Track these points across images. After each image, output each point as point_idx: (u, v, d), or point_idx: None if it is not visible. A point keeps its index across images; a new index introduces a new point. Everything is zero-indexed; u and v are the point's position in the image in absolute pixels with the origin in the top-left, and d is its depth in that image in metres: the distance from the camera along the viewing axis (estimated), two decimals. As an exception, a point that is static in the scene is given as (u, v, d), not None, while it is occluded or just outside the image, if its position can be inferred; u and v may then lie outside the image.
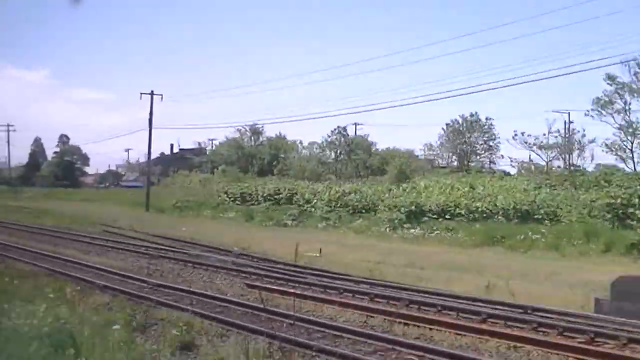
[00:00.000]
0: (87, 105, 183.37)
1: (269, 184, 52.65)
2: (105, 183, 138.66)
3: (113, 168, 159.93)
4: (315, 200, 42.67)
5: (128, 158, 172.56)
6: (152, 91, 56.74)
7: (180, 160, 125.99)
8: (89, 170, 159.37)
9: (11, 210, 52.99)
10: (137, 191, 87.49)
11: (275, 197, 47.61)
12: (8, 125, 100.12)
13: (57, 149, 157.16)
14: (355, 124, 74.73)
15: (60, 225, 40.10)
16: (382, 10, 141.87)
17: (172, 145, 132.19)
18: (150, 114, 57.21)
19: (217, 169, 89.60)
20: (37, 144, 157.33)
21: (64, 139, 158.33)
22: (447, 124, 74.95)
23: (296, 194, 46.06)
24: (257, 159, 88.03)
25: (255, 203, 48.54)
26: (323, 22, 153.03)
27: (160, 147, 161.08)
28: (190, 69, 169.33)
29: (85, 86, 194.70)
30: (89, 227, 39.79)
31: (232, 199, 52.21)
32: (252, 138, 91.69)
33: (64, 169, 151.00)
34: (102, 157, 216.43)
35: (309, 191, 45.05)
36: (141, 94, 56.66)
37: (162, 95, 56.67)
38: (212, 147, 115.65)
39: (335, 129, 73.43)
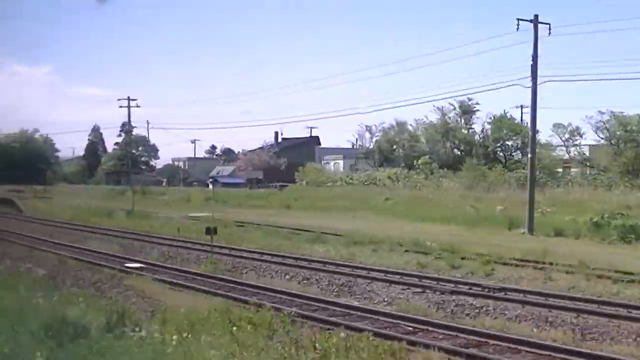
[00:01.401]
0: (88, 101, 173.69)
1: None
2: (163, 179, 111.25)
3: (178, 163, 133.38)
4: None
5: (194, 150, 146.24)
6: (535, 16, 30.59)
7: (290, 151, 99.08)
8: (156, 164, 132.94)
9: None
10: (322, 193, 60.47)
11: None
12: (129, 99, 72.37)
13: (119, 140, 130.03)
14: None
15: None
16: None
17: (276, 134, 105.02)
18: (535, 46, 30.78)
19: (416, 161, 63.09)
20: (96, 133, 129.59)
21: (126, 128, 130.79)
22: None
23: None
24: (479, 146, 61.84)
25: None
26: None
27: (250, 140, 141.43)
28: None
29: (86, 83, 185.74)
30: None
31: None
32: (462, 119, 65.12)
33: (128, 162, 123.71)
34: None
35: None
36: (519, 20, 30.46)
37: (549, 24, 30.51)
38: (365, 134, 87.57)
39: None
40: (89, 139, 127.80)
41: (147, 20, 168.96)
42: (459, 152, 63.18)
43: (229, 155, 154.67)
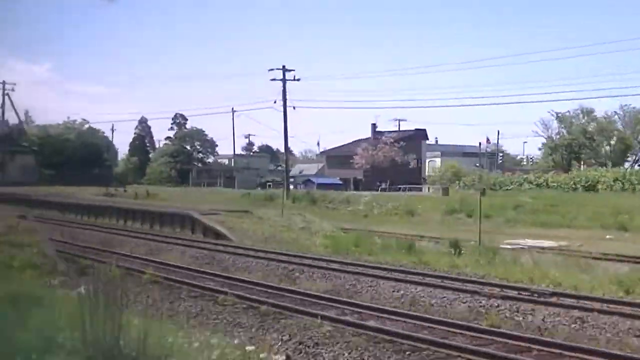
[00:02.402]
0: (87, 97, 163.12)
1: None
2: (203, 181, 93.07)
3: (222, 161, 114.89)
4: None
5: (248, 144, 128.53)
6: None
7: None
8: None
9: None
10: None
11: None
12: (284, 69, 52.77)
13: (172, 134, 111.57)
14: None
15: None
16: None
17: (374, 126, 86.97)
18: None
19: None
20: (144, 125, 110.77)
21: (179, 120, 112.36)
22: None
23: None
24: None
25: None
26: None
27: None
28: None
29: (86, 81, 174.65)
30: None
31: None
32: None
33: (183, 159, 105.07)
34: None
35: None
36: None
37: None
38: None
39: None
40: (135, 133, 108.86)
41: (147, 18, 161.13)
42: None
43: (268, 152, 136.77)
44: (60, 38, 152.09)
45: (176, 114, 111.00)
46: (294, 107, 49.97)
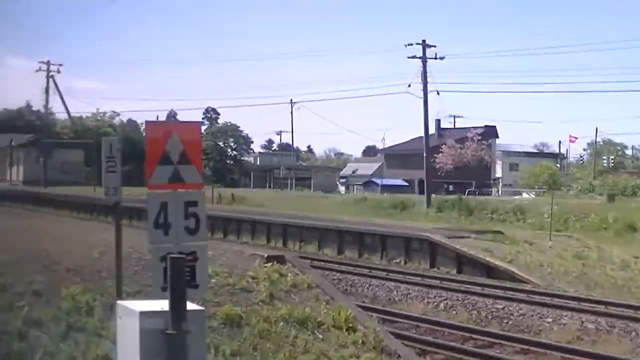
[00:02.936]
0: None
1: None
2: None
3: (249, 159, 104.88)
4: None
5: (280, 140, 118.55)
6: None
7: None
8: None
9: None
10: None
11: None
12: (424, 45, 41.65)
13: (202, 129, 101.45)
14: None
15: None
16: None
17: (438, 122, 77.57)
18: None
19: None
20: (173, 120, 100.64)
21: (211, 114, 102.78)
22: None
23: None
24: None
25: None
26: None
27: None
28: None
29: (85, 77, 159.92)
30: None
31: None
32: None
33: (216, 156, 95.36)
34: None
35: None
36: None
37: None
38: None
39: None
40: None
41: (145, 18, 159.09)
42: None
43: (287, 150, 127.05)
44: (60, 37, 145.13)
45: (207, 107, 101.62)
46: (437, 92, 40.06)
